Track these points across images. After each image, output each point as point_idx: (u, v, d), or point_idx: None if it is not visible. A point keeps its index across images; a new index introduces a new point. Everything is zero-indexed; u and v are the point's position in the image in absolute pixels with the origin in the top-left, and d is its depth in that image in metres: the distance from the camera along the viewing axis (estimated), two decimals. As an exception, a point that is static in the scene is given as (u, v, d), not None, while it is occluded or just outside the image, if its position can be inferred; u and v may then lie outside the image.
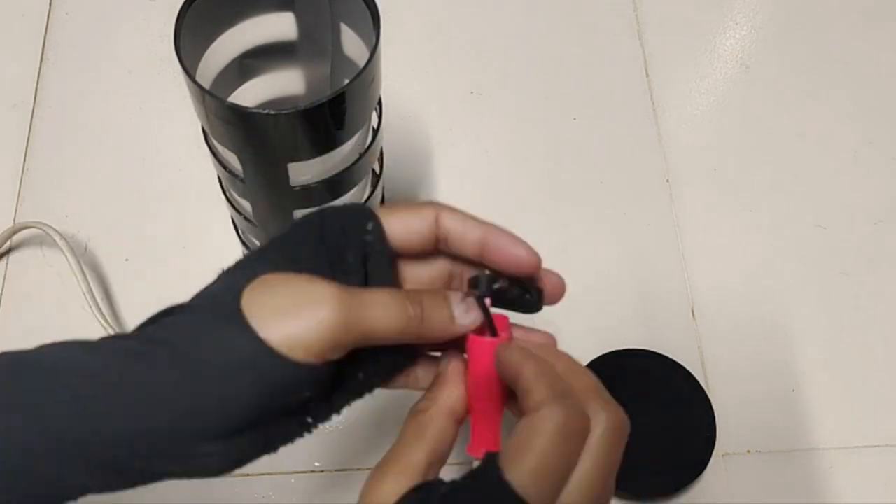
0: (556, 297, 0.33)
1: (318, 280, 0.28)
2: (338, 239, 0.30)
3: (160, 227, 0.60)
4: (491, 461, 0.27)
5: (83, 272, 0.54)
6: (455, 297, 0.31)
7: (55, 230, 0.55)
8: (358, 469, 0.52)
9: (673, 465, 0.52)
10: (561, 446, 0.27)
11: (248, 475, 0.52)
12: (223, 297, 0.28)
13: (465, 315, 0.31)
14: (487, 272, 0.32)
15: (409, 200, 0.33)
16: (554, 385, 0.28)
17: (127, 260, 0.58)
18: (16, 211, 0.60)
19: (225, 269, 0.30)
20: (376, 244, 0.30)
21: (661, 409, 0.53)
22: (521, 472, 0.26)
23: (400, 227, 0.31)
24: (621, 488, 0.51)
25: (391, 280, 0.31)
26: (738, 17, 0.71)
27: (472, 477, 0.28)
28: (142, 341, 0.28)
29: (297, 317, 0.27)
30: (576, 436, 0.27)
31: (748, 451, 0.54)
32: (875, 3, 0.72)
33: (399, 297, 0.29)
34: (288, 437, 0.29)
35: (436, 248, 0.32)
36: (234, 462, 0.28)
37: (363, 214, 0.31)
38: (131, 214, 0.60)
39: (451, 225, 0.31)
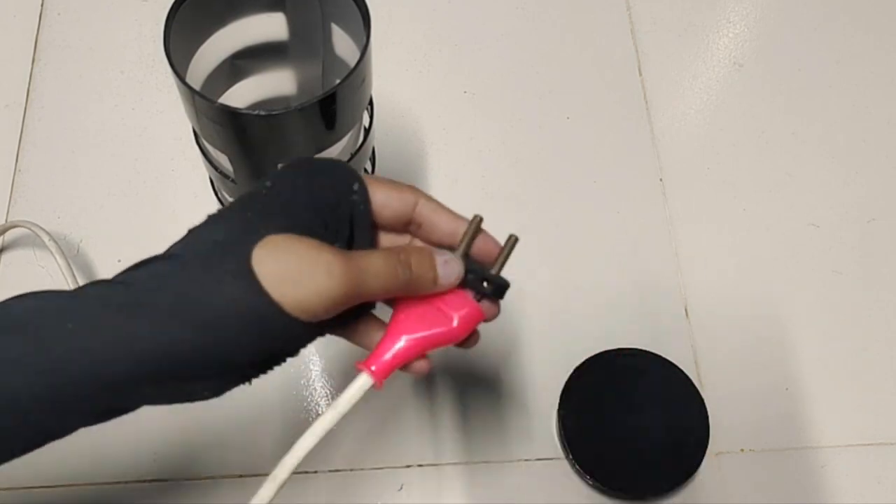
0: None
1: (321, 248, 0.29)
2: (328, 198, 0.31)
3: (152, 227, 0.59)
4: None
5: (73, 273, 0.53)
6: (439, 259, 0.33)
7: (44, 230, 0.54)
8: (351, 470, 0.52)
9: (666, 464, 0.52)
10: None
11: (240, 476, 0.51)
12: (227, 249, 0.29)
13: (447, 276, 0.33)
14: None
15: (393, 179, 0.34)
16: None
17: (119, 261, 0.58)
18: (8, 212, 0.60)
19: (213, 215, 0.31)
20: (361, 204, 0.32)
21: (654, 409, 0.53)
22: None
23: (381, 197, 0.33)
24: (615, 487, 0.51)
25: (372, 241, 0.34)
26: (731, 15, 0.71)
27: None
28: (137, 292, 0.30)
29: (305, 286, 0.28)
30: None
31: (742, 450, 0.54)
32: (867, 2, 0.72)
33: (391, 260, 0.31)
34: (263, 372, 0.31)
35: (405, 228, 0.34)
36: (219, 394, 0.30)
37: (349, 174, 0.32)
38: (123, 215, 0.60)
39: (427, 215, 0.34)
